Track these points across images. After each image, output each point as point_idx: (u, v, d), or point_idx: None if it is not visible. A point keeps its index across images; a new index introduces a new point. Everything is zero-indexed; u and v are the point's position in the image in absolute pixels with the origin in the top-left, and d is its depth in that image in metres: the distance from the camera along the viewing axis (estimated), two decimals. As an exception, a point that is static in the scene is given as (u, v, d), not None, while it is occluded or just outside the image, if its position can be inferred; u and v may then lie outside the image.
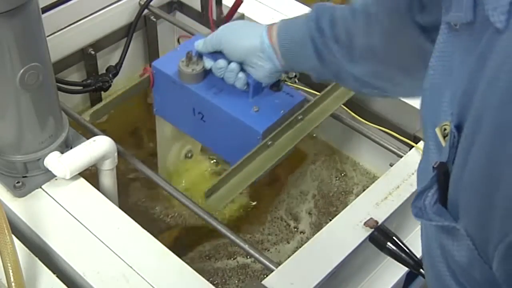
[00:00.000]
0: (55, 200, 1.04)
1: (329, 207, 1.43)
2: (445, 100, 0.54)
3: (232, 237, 1.03)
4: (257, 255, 1.01)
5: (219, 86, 1.13)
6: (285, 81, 1.23)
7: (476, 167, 0.48)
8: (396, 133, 1.21)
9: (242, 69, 1.07)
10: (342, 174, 1.49)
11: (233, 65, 1.06)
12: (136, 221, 1.02)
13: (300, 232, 1.40)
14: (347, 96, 1.21)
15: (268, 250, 1.36)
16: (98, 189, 1.09)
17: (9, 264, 0.86)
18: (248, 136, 1.08)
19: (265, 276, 0.95)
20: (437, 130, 0.54)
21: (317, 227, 1.39)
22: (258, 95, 1.12)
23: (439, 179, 0.53)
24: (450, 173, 0.53)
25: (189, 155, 1.42)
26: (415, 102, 1.23)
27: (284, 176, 1.48)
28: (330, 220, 1.04)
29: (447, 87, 0.55)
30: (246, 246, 1.02)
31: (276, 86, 1.14)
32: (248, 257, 1.34)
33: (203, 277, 0.95)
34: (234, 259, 1.34)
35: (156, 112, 1.26)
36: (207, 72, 1.14)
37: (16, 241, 0.93)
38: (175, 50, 1.20)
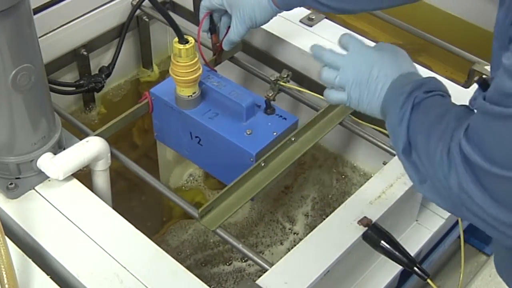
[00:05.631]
0: (48, 201, 1.04)
1: (325, 209, 1.43)
2: None
3: (226, 236, 1.03)
4: (251, 255, 1.01)
5: (214, 110, 1.17)
6: (278, 80, 1.23)
7: None
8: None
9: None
10: (343, 176, 1.49)
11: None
12: (129, 221, 1.02)
13: (294, 233, 1.40)
14: (340, 119, 1.23)
15: (263, 253, 1.36)
16: (92, 190, 1.09)
17: (2, 266, 0.85)
18: (242, 158, 1.12)
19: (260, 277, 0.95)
20: None
21: (312, 228, 1.39)
22: (252, 118, 1.16)
23: (484, 89, 0.70)
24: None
25: (191, 178, 1.47)
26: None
27: (291, 185, 1.49)
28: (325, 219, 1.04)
29: None
30: (240, 246, 1.02)
31: (269, 109, 1.18)
32: (243, 260, 1.34)
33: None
34: (229, 264, 1.35)
35: (156, 137, 1.30)
36: (202, 97, 1.18)
37: (10, 243, 0.92)
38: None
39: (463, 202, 0.70)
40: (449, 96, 0.85)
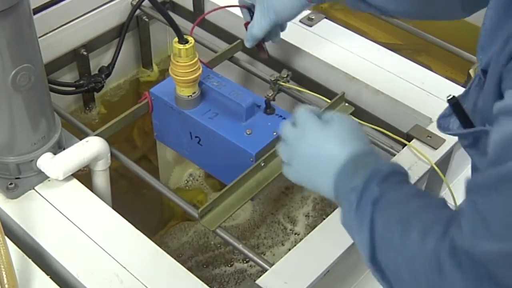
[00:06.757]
0: (48, 202, 1.04)
1: (326, 209, 1.43)
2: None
3: (226, 237, 1.03)
4: (251, 255, 1.01)
5: (214, 110, 1.17)
6: (278, 80, 1.23)
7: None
8: (389, 131, 1.21)
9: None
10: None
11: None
12: (129, 221, 1.02)
13: (295, 234, 1.40)
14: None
15: (264, 254, 1.36)
16: (92, 190, 1.09)
17: (2, 266, 0.85)
18: (242, 158, 1.12)
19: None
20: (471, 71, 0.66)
21: (312, 228, 1.39)
22: (252, 118, 1.16)
23: (455, 110, 0.68)
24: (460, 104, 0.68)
25: (191, 178, 1.47)
26: (408, 102, 1.23)
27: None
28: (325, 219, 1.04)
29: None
30: (240, 246, 1.02)
31: (269, 109, 1.18)
32: (245, 261, 1.34)
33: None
34: (231, 265, 1.35)
35: (156, 137, 1.30)
36: (202, 97, 1.18)
37: (10, 243, 0.92)
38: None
39: None
40: (406, 174, 0.75)
